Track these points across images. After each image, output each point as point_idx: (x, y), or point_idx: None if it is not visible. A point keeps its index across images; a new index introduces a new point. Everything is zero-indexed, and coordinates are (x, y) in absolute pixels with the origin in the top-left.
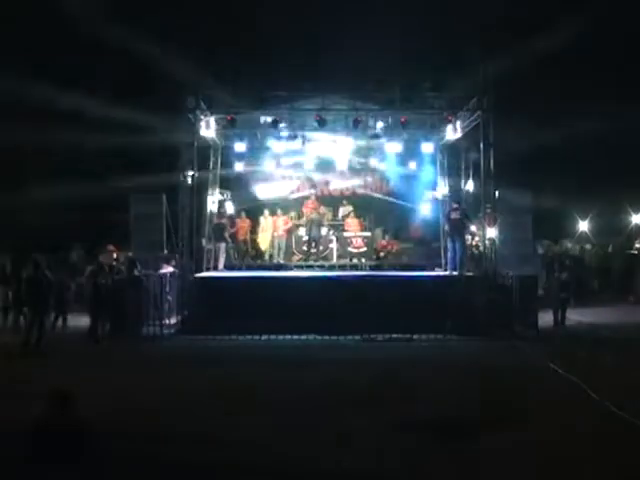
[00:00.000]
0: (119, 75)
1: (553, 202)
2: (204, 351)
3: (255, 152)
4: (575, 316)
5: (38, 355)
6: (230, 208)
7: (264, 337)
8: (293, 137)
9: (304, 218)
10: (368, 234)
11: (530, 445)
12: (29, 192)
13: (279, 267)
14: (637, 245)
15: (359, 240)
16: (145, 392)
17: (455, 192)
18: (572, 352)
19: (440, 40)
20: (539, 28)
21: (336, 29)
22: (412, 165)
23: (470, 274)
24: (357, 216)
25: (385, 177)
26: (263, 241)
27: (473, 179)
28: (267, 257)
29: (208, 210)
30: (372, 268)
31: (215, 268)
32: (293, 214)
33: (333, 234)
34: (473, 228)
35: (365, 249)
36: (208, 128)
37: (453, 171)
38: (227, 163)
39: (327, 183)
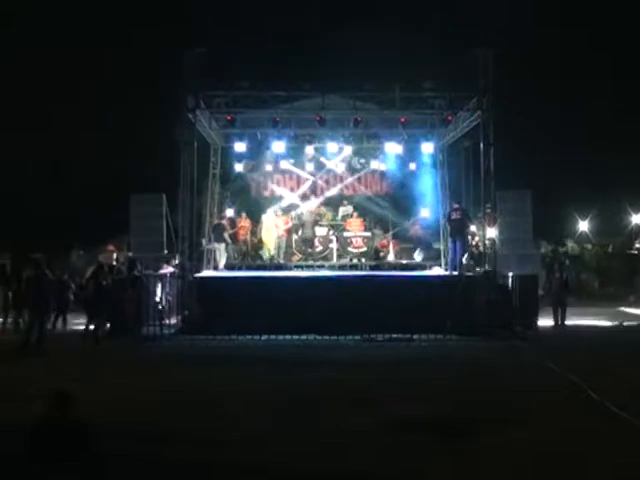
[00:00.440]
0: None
1: (553, 202)
2: (204, 351)
3: (255, 152)
4: (575, 316)
5: (38, 355)
6: (230, 208)
7: (264, 337)
8: (293, 137)
9: (302, 218)
10: (368, 234)
11: (530, 445)
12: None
13: (279, 267)
14: (637, 245)
15: (359, 240)
16: (145, 392)
17: (455, 192)
18: (572, 352)
19: (440, 40)
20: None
21: (336, 29)
22: (412, 165)
23: (470, 274)
24: (359, 216)
25: (385, 177)
26: (268, 241)
27: (473, 179)
28: (271, 256)
29: (208, 210)
30: (372, 268)
31: (215, 268)
32: (293, 214)
33: (333, 234)
34: (473, 228)
35: (365, 249)
36: (208, 128)
37: (453, 171)
38: (227, 163)
39: (327, 183)
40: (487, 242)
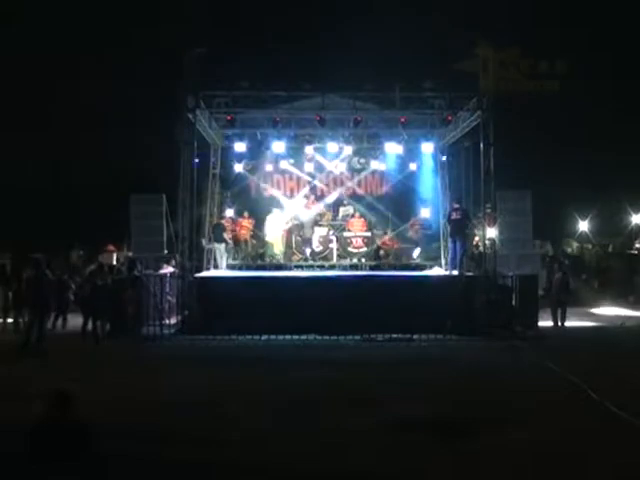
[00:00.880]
0: (118, 74)
1: (553, 202)
2: (204, 351)
3: (255, 152)
4: (575, 316)
5: (38, 355)
6: (230, 208)
7: (264, 337)
8: (293, 137)
9: (302, 218)
10: (368, 234)
11: (530, 445)
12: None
13: (279, 267)
14: (637, 245)
15: (359, 240)
16: (145, 392)
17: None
18: (572, 352)
19: (440, 40)
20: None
21: (336, 29)
22: (412, 165)
23: (470, 274)
24: (361, 216)
25: (385, 177)
26: (276, 240)
27: (473, 179)
28: (279, 255)
29: (208, 210)
30: (372, 268)
31: (215, 268)
32: (293, 214)
33: (333, 234)
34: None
35: (365, 249)
36: (208, 128)
37: (453, 171)
38: (227, 163)
39: (327, 183)
40: (487, 242)
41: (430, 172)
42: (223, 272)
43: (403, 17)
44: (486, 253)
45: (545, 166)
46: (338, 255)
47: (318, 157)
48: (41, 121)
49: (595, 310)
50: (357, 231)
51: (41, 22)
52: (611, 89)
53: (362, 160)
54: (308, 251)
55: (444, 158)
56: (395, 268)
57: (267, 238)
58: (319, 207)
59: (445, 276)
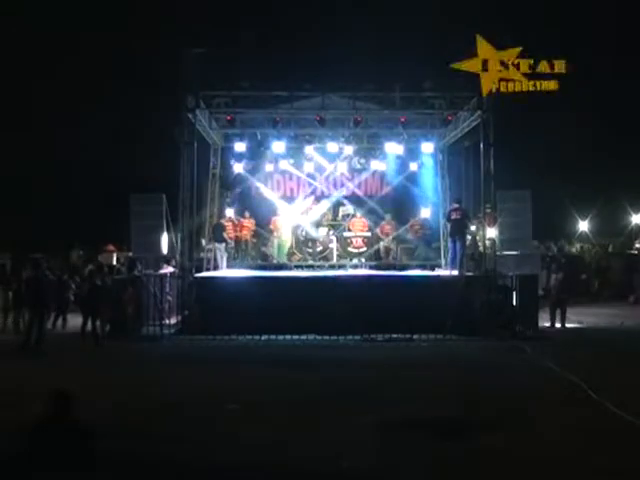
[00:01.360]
0: (119, 74)
1: (553, 202)
2: (204, 351)
3: (255, 152)
4: (575, 316)
5: (38, 355)
6: (230, 208)
7: (264, 337)
8: (293, 137)
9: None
10: (368, 234)
11: (530, 445)
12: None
13: (279, 267)
14: (637, 245)
15: (359, 240)
16: (145, 392)
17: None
18: (572, 352)
19: (440, 40)
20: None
21: (336, 29)
22: (412, 165)
23: (470, 274)
24: (361, 216)
25: (385, 177)
26: (286, 239)
27: (473, 179)
28: (289, 253)
29: (208, 210)
30: (372, 268)
31: (215, 268)
32: (294, 214)
33: (333, 234)
34: (473, 228)
35: (365, 249)
36: (208, 128)
37: (453, 171)
38: (227, 163)
39: (327, 183)
40: (487, 242)
41: (430, 172)
42: (223, 272)
43: (403, 17)
44: (486, 253)
45: (545, 166)
46: (338, 255)
47: (318, 157)
48: (41, 121)
49: (595, 310)
50: (357, 231)
51: (41, 22)
52: (611, 89)
53: (362, 160)
54: (309, 251)
55: (444, 158)
56: (395, 268)
57: (283, 238)
58: (319, 207)
59: (445, 276)
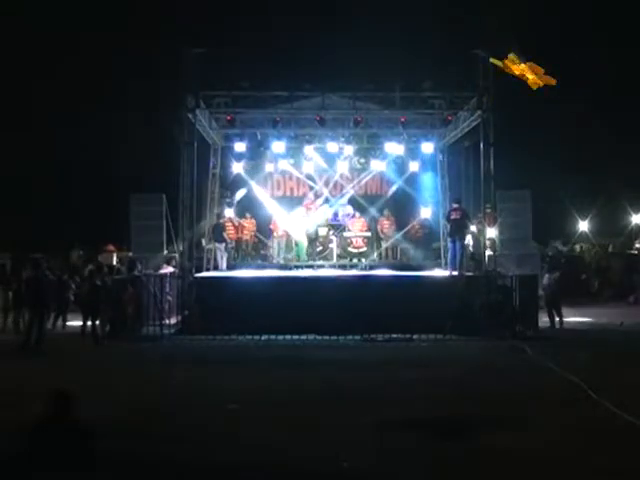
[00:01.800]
0: (119, 74)
1: (553, 202)
2: (204, 351)
3: (255, 152)
4: (575, 316)
5: (38, 355)
6: (230, 208)
7: (264, 337)
8: (293, 137)
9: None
10: (368, 234)
11: (529, 445)
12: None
13: (279, 267)
14: (637, 245)
15: (359, 240)
16: (145, 392)
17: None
18: (572, 352)
19: (440, 40)
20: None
21: (336, 29)
22: (412, 165)
23: (470, 274)
24: (361, 216)
25: (385, 177)
26: (302, 238)
27: (473, 179)
28: (307, 253)
29: (208, 210)
30: (372, 268)
31: (215, 268)
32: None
33: (333, 234)
34: (473, 228)
35: (365, 249)
36: (208, 128)
37: (453, 171)
38: (227, 163)
39: (327, 183)
40: (487, 242)
41: (430, 172)
42: (223, 272)
43: (403, 17)
44: (486, 253)
45: (545, 166)
46: (338, 255)
47: (318, 157)
48: (41, 121)
49: (595, 310)
50: (357, 231)
51: (41, 22)
52: (611, 89)
53: (362, 160)
54: (309, 251)
55: (444, 158)
56: (395, 268)
57: (298, 238)
58: (319, 207)
59: (445, 276)
